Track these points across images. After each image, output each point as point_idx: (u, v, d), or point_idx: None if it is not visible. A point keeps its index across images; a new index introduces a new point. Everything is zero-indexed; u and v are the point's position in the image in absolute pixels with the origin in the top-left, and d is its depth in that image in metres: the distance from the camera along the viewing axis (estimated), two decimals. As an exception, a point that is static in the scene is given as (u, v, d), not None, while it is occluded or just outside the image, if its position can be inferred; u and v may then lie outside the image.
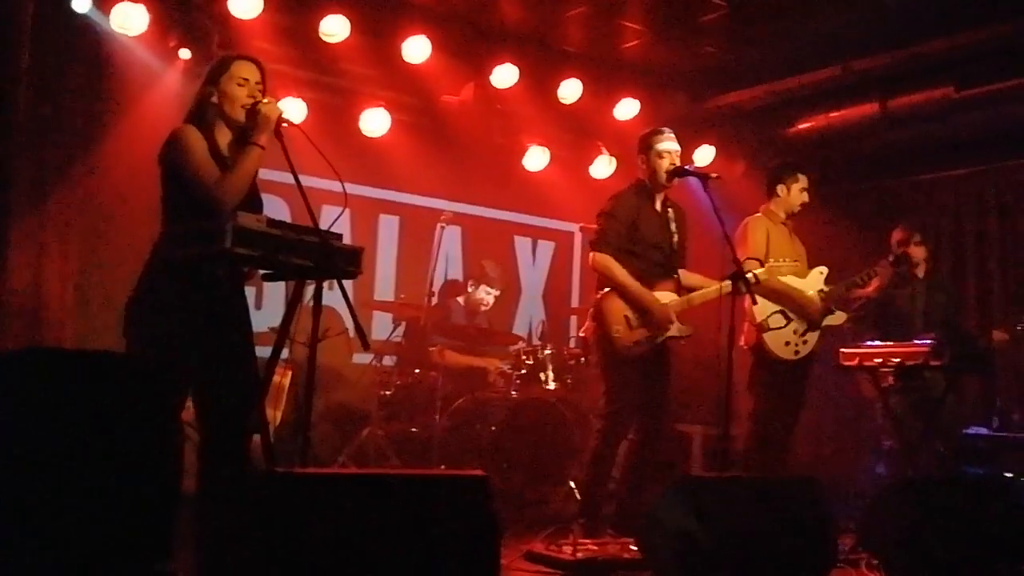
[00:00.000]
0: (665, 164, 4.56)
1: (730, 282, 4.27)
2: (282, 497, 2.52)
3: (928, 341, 4.98)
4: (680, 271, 4.71)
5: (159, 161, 3.30)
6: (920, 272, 5.92)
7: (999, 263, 7.05)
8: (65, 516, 2.43)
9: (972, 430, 6.09)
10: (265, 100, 3.31)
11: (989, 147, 6.92)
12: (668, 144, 4.60)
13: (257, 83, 3.38)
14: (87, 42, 5.50)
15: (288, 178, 3.25)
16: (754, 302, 4.31)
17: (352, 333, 6.12)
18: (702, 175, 4.36)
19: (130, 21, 5.37)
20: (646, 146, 4.64)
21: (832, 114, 6.98)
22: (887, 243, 6.12)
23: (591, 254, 4.64)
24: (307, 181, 3.29)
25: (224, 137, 3.37)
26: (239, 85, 3.34)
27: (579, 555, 3.76)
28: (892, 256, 5.64)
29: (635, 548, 3.90)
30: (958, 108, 6.41)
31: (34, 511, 2.39)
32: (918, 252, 5.87)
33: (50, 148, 5.39)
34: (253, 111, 3.29)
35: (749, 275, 4.25)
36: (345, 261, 3.33)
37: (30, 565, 2.37)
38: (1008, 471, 5.92)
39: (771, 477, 4.02)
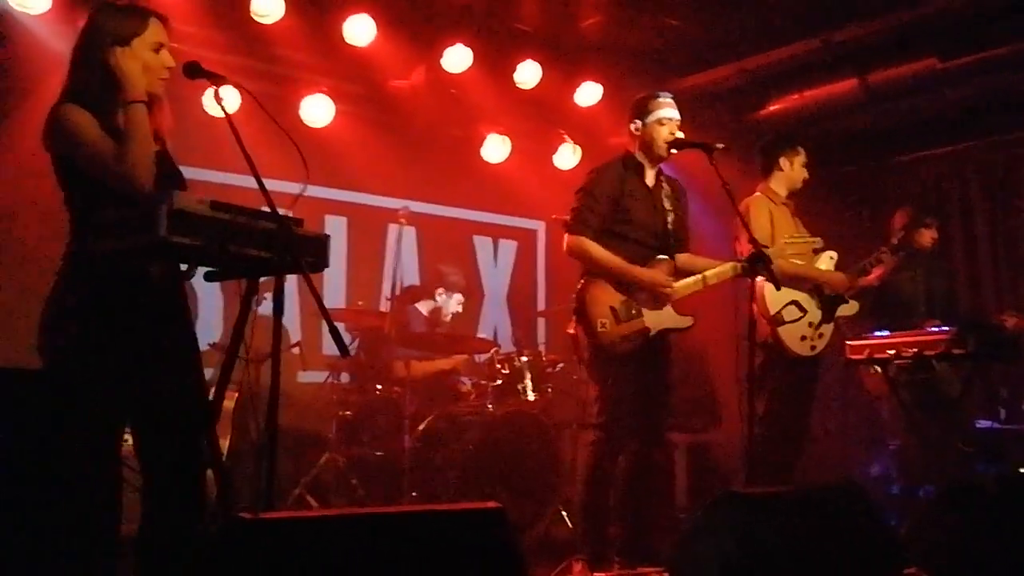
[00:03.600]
0: (664, 133, 4.09)
1: (747, 263, 3.87)
2: (254, 547, 1.99)
3: (946, 329, 4.74)
4: (682, 255, 4.24)
5: (46, 147, 2.69)
6: (923, 256, 5.74)
7: (989, 245, 6.93)
8: None
9: (982, 424, 5.93)
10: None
11: (974, 123, 6.75)
12: (669, 111, 4.13)
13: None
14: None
15: (231, 179, 2.67)
16: (777, 287, 3.89)
17: (297, 350, 5.82)
18: (707, 146, 3.93)
19: (31, -1, 4.81)
20: (643, 111, 4.15)
21: (808, 92, 6.70)
22: (876, 228, 5.93)
23: (565, 236, 4.15)
24: (250, 180, 2.71)
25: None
26: (155, 51, 2.76)
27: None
28: (896, 240, 5.40)
29: (658, 578, 3.43)
30: (942, 81, 6.17)
31: None
32: (926, 236, 5.73)
33: None
34: (114, 65, 2.71)
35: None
36: (310, 251, 2.79)
37: None
38: (1021, 467, 5.75)
39: (816, 487, 3.61)
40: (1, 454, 2.20)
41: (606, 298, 4.04)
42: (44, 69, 4.94)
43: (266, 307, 2.80)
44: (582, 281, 4.13)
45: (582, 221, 4.09)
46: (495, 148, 6.92)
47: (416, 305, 6.00)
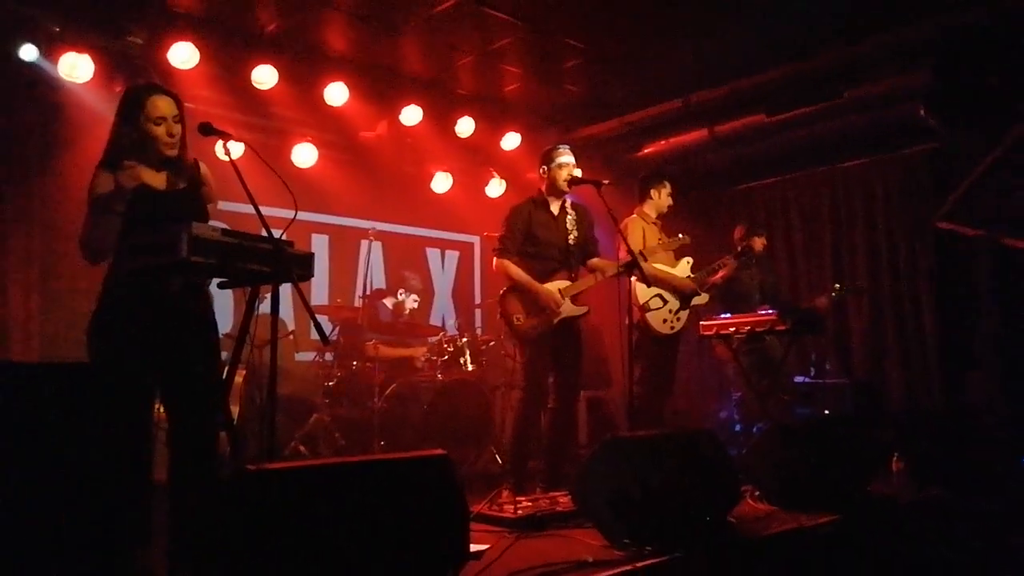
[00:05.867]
0: (564, 174, 4.12)
1: (624, 267, 3.94)
2: (259, 492, 1.96)
3: (772, 311, 4.83)
4: (593, 260, 4.26)
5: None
6: (755, 258, 5.77)
7: (804, 251, 7.02)
8: (46, 516, 2.08)
9: (798, 379, 6.04)
10: (148, 161, 2.66)
11: (792, 160, 6.84)
12: (566, 158, 4.17)
13: (174, 117, 2.71)
14: (40, 88, 4.75)
15: (237, 208, 2.64)
16: (648, 284, 3.95)
17: (292, 337, 5.73)
18: (596, 182, 3.96)
19: (77, 70, 4.71)
20: (548, 160, 4.19)
21: (672, 139, 6.79)
22: (724, 238, 5.98)
23: (494, 259, 4.20)
24: (251, 208, 2.68)
25: (147, 174, 2.68)
26: (156, 124, 2.67)
27: (519, 512, 3.27)
28: (738, 248, 5.48)
29: (565, 500, 3.45)
30: (769, 131, 6.30)
31: (16, 513, 2.04)
32: (758, 243, 5.75)
33: (8, 181, 4.69)
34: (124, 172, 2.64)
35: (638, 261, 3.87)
36: (298, 265, 2.75)
37: (18, 558, 2.02)
38: (826, 409, 5.90)
39: (678, 431, 3.64)
40: (63, 425, 2.14)
41: (518, 301, 4.09)
42: (89, 124, 4.81)
43: (266, 305, 2.75)
44: (503, 290, 4.17)
45: (504, 248, 4.14)
46: (441, 181, 6.88)
47: (383, 301, 5.92)
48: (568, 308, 4.11)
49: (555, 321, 4.07)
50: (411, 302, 5.85)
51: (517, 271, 4.08)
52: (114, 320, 2.56)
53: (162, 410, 2.74)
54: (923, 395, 6.03)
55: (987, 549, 3.53)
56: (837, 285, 5.83)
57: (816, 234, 6.92)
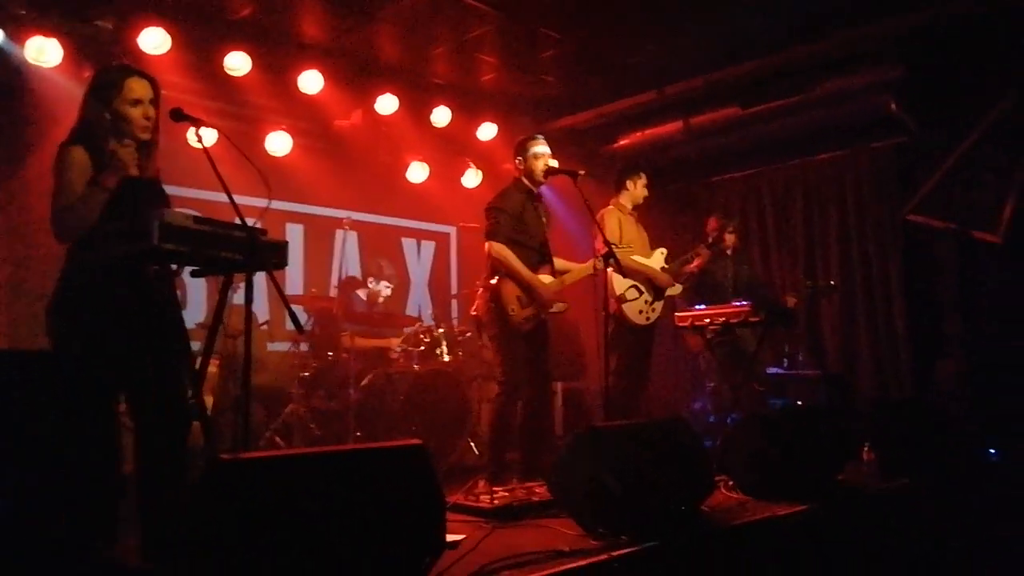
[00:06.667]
0: (540, 165, 4.10)
1: (602, 260, 3.91)
2: (234, 481, 1.93)
3: (745, 303, 4.86)
4: (557, 260, 4.25)
5: (52, 171, 2.57)
6: (729, 251, 5.77)
7: (776, 242, 7.06)
8: (5, 508, 2.04)
9: (771, 370, 6.09)
10: (124, 143, 2.60)
11: (765, 153, 6.89)
12: (541, 148, 4.14)
13: (151, 100, 2.66)
14: (5, 73, 4.63)
15: (210, 196, 2.58)
16: (624, 276, 3.94)
17: (266, 327, 5.67)
18: (572, 172, 3.95)
19: (44, 55, 4.58)
20: (523, 150, 4.15)
21: (647, 131, 6.79)
22: (699, 229, 5.98)
23: (488, 243, 4.06)
24: (226, 197, 2.62)
25: (126, 149, 2.61)
26: (133, 106, 2.62)
27: (496, 502, 3.26)
28: (710, 239, 5.47)
29: (541, 491, 3.44)
30: (743, 123, 6.33)
31: None
32: (730, 237, 5.73)
33: None
34: (111, 152, 2.57)
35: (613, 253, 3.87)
36: (272, 254, 2.71)
37: None
38: (799, 400, 5.96)
39: (653, 421, 3.65)
40: (26, 413, 2.09)
41: (513, 292, 4.03)
42: (57, 109, 4.70)
43: (241, 296, 2.70)
44: (496, 278, 4.04)
45: (498, 232, 4.02)
46: (417, 171, 6.80)
47: (357, 292, 5.85)
48: (558, 306, 4.13)
49: (543, 316, 4.08)
50: (385, 290, 5.79)
51: (518, 262, 4.00)
52: (82, 304, 2.49)
53: (127, 402, 2.67)
54: (893, 386, 6.12)
55: (954, 539, 3.59)
56: (808, 283, 5.87)
57: (788, 225, 6.96)
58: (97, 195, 2.51)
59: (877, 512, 3.58)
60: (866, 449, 4.10)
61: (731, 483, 3.71)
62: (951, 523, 3.69)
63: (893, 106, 5.63)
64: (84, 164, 2.53)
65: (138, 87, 2.64)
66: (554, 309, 4.10)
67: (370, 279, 5.85)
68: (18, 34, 4.47)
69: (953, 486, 3.87)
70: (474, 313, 4.32)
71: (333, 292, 5.66)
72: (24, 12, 4.46)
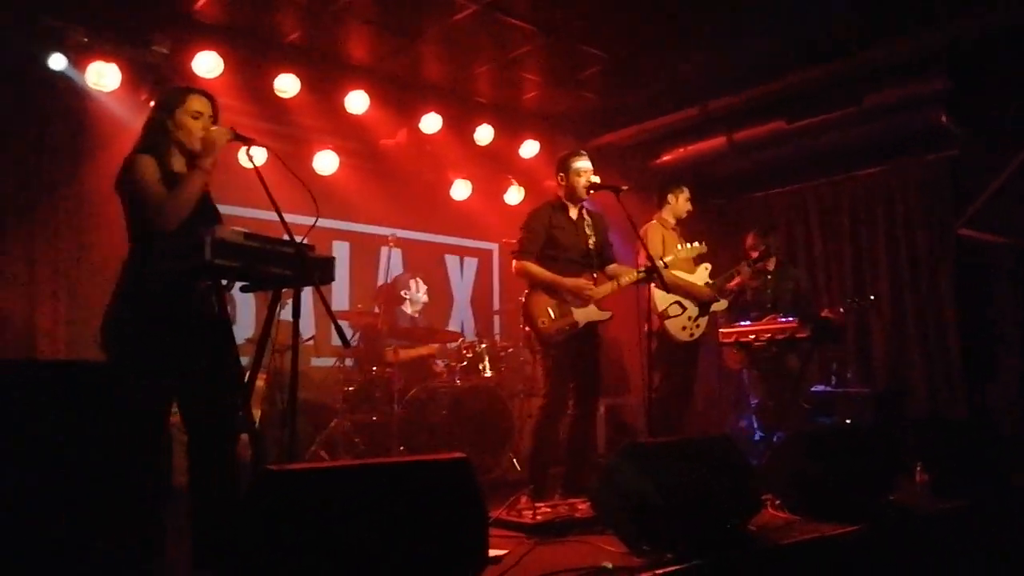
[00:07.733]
0: (583, 181, 4.09)
1: (644, 273, 3.88)
2: (281, 492, 1.96)
3: (792, 319, 4.78)
4: (611, 266, 4.19)
5: (116, 188, 2.69)
6: (770, 266, 5.68)
7: (823, 258, 6.94)
8: (58, 517, 2.05)
9: (818, 388, 5.97)
10: (213, 127, 2.76)
11: (811, 167, 6.80)
12: (584, 163, 4.13)
13: (210, 116, 2.81)
14: (68, 97, 4.83)
15: (259, 214, 2.64)
16: (666, 290, 3.91)
17: (312, 342, 5.75)
18: (615, 187, 3.94)
19: (104, 79, 4.76)
20: (565, 166, 4.15)
21: (690, 147, 6.76)
22: (739, 244, 5.91)
23: (513, 262, 4.11)
24: (275, 215, 2.70)
25: (179, 163, 2.78)
26: (193, 118, 2.77)
27: (538, 518, 3.25)
28: (753, 256, 5.43)
29: (584, 507, 3.42)
30: (788, 137, 6.25)
31: (29, 513, 2.01)
32: (771, 263, 5.66)
33: (37, 181, 4.79)
34: (204, 133, 2.75)
35: (660, 264, 3.84)
36: (319, 269, 2.75)
37: (29, 564, 1.98)
38: (847, 418, 5.81)
39: (698, 438, 3.59)
40: (81, 425, 2.14)
41: (544, 302, 4.00)
42: (115, 131, 4.86)
43: (288, 312, 2.75)
44: (526, 292, 4.08)
45: (524, 250, 4.06)
46: (460, 189, 6.87)
47: (401, 307, 5.88)
48: (593, 312, 4.06)
49: (580, 325, 4.03)
50: (422, 295, 5.79)
51: (539, 270, 4.00)
52: (136, 319, 2.57)
53: (179, 414, 2.74)
54: (945, 404, 5.95)
55: (1012, 563, 3.46)
56: (850, 300, 5.74)
57: (835, 240, 6.85)
58: (197, 177, 2.68)
59: (930, 534, 3.47)
60: (919, 469, 3.98)
61: (778, 502, 3.64)
62: (1009, 547, 3.55)
63: (944, 118, 5.51)
64: (155, 168, 2.67)
65: (198, 103, 2.80)
66: (592, 317, 4.04)
67: (403, 291, 5.88)
68: (80, 60, 4.65)
69: (1011, 508, 3.73)
70: (525, 328, 4.32)
71: (378, 308, 5.68)
72: (87, 40, 4.63)
